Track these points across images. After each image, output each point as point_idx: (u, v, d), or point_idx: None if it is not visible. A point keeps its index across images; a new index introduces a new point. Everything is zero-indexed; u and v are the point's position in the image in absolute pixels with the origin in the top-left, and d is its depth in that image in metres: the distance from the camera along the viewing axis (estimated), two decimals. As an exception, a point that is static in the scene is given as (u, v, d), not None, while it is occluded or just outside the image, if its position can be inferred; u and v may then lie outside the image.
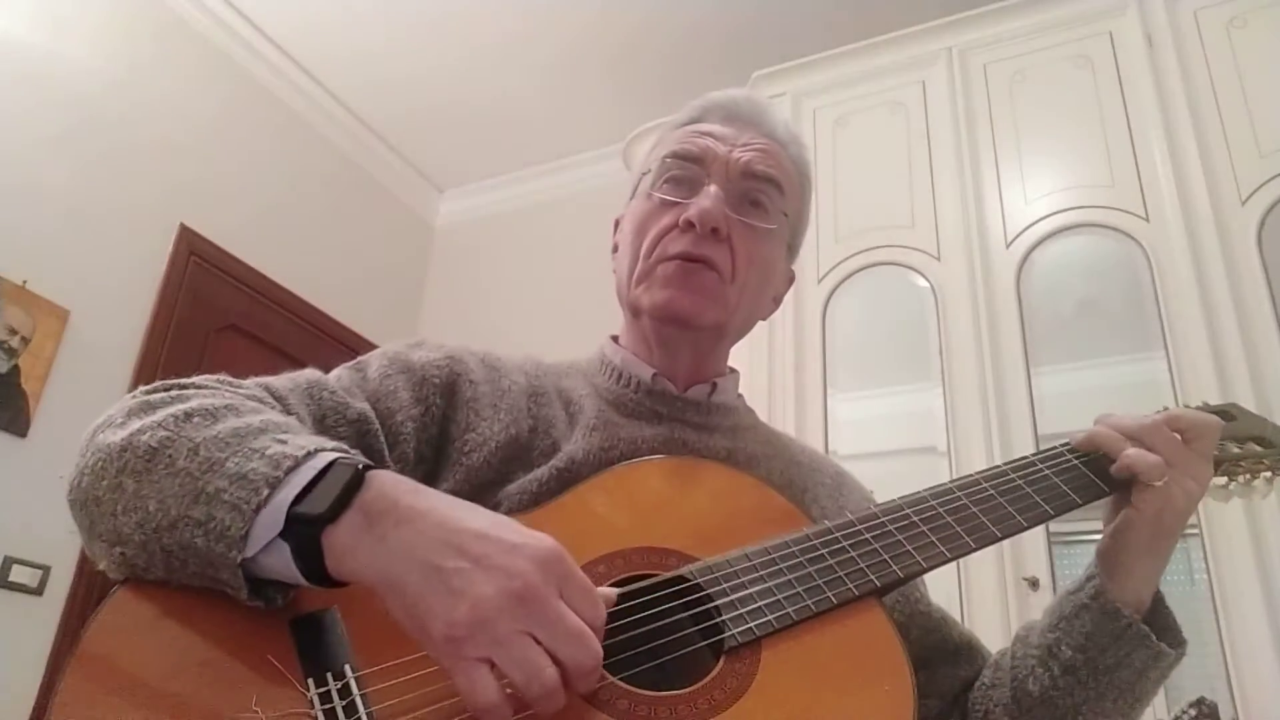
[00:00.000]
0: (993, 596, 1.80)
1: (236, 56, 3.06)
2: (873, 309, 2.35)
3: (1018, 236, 2.12)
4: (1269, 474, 0.78)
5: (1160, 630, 0.68)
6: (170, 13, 2.84)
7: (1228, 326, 1.82)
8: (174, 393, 0.58)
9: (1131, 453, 0.67)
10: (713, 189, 0.76)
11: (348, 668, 0.49)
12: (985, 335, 2.05)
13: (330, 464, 0.51)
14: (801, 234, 0.87)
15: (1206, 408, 0.79)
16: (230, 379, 0.63)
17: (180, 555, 0.49)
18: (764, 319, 0.86)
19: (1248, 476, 0.78)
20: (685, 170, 0.79)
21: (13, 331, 2.27)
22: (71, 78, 2.52)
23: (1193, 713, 1.56)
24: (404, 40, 3.07)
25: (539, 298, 3.42)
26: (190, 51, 2.90)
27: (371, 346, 0.79)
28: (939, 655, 0.78)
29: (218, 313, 2.86)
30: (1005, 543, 1.87)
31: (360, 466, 0.51)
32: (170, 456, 0.52)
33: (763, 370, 2.20)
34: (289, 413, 0.62)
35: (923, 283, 2.19)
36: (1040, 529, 1.81)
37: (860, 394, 2.32)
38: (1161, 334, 1.89)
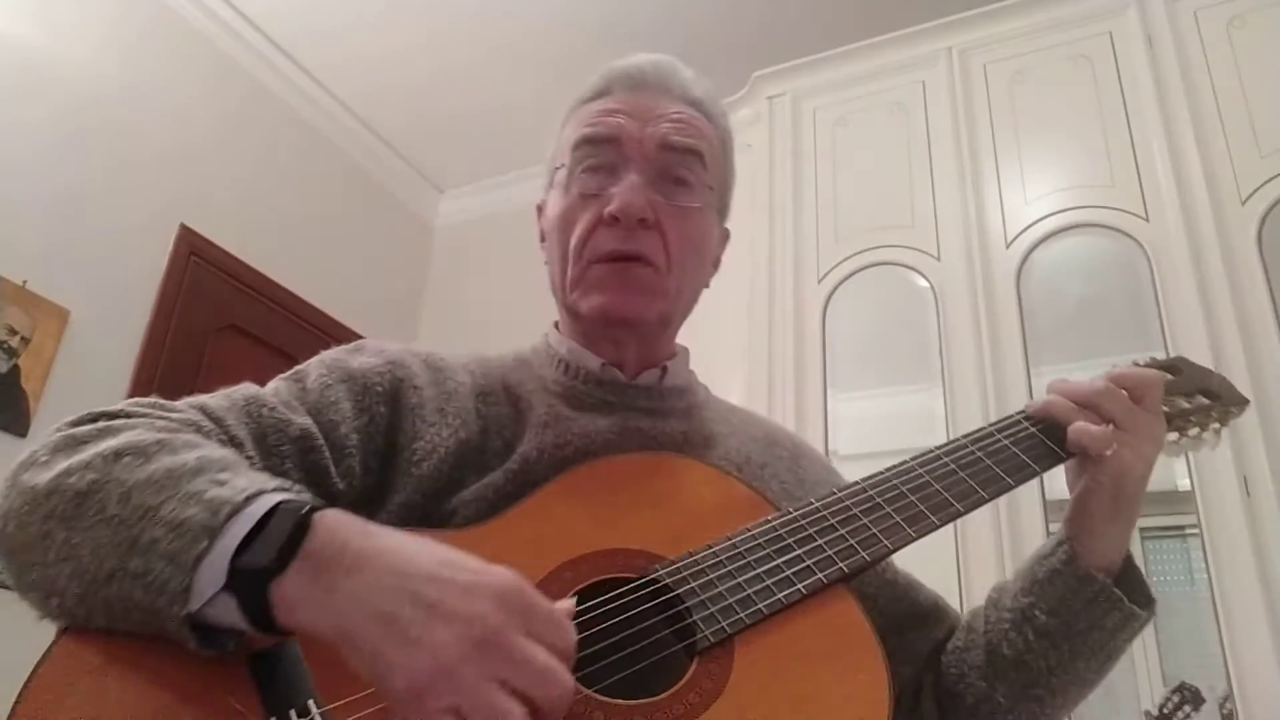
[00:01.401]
0: (993, 596, 1.79)
1: (238, 59, 3.06)
2: (873, 309, 2.35)
3: (1018, 236, 2.12)
4: (1217, 425, 0.78)
5: (1129, 590, 0.68)
6: (172, 14, 2.84)
7: (1228, 326, 1.82)
8: (101, 424, 0.55)
9: (1077, 427, 0.67)
10: (633, 177, 0.72)
11: (311, 703, 0.47)
12: (985, 335, 2.04)
13: (273, 508, 0.48)
14: (730, 195, 0.83)
15: (1153, 363, 0.79)
16: (163, 402, 0.60)
17: (121, 607, 0.47)
18: (707, 287, 0.83)
19: (1197, 430, 0.78)
20: (600, 157, 0.74)
21: (13, 331, 2.27)
22: (73, 79, 2.52)
23: (1176, 699, 1.58)
24: (405, 44, 3.07)
25: (539, 298, 3.37)
26: (191, 53, 2.90)
27: (371, 346, 0.78)
28: (910, 620, 0.78)
29: (218, 313, 2.85)
30: (1005, 538, 1.87)
31: (305, 510, 0.48)
32: (100, 502, 0.49)
33: (763, 370, 2.19)
34: (228, 435, 0.59)
35: (923, 283, 2.19)
36: (1040, 524, 1.82)
37: (860, 393, 2.32)
38: (1161, 334, 1.88)
